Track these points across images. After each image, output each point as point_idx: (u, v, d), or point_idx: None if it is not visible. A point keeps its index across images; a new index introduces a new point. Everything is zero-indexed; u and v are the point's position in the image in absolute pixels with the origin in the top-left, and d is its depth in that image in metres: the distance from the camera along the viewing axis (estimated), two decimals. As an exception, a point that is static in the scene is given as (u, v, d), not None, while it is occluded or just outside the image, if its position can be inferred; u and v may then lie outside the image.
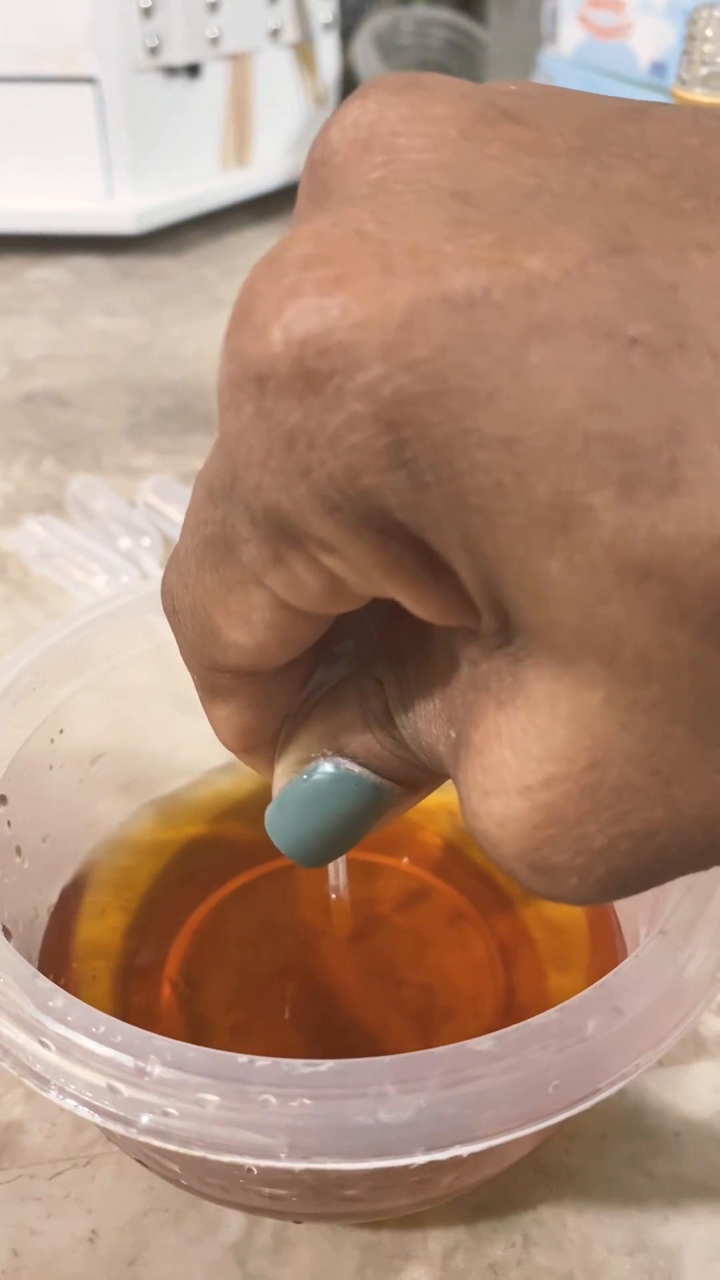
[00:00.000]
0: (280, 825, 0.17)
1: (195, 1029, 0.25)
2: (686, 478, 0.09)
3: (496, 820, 0.12)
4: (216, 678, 0.15)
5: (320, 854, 0.17)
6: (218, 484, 0.13)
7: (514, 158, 0.11)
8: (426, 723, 0.15)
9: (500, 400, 0.10)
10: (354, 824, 0.16)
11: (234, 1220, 0.24)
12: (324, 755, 0.16)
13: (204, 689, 0.16)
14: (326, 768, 0.16)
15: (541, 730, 0.12)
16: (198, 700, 0.17)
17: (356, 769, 0.16)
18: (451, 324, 0.10)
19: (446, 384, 0.10)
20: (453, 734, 0.14)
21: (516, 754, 0.12)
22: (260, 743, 0.17)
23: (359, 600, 0.13)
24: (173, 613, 0.15)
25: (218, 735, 0.17)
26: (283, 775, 0.17)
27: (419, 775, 0.16)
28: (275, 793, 0.17)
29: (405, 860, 0.30)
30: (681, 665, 0.10)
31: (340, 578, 0.12)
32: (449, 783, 0.34)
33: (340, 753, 0.16)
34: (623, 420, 0.09)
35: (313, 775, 0.16)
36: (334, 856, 0.17)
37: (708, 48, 0.37)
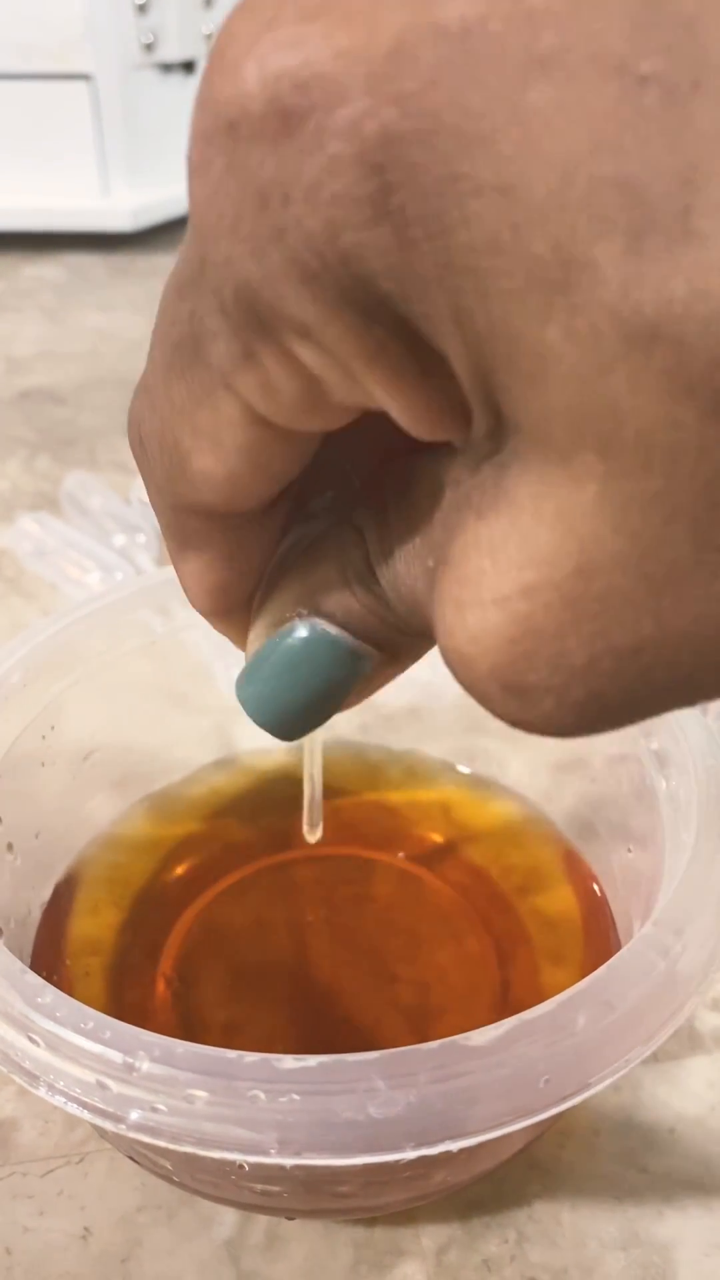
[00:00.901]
0: (252, 693, 0.16)
1: (189, 1025, 0.25)
2: (700, 229, 0.09)
3: (470, 634, 0.12)
4: (187, 521, 0.14)
5: (293, 725, 0.16)
6: (186, 274, 0.12)
7: None
8: (406, 565, 0.14)
9: (497, 141, 0.09)
10: (330, 692, 0.15)
11: (227, 1217, 0.24)
12: (299, 615, 0.15)
13: (174, 537, 0.15)
14: (301, 630, 0.15)
15: (524, 535, 0.11)
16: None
17: (334, 631, 0.15)
18: (444, 55, 0.09)
19: (438, 121, 0.09)
20: (431, 563, 0.13)
21: (495, 562, 0.11)
22: (234, 605, 0.16)
23: (339, 414, 0.12)
24: (138, 444, 0.14)
25: (188, 596, 0.16)
26: (256, 639, 0.16)
27: (398, 638, 0.15)
28: (247, 659, 0.16)
29: (400, 856, 0.30)
30: (686, 449, 0.09)
31: (317, 377, 0.11)
32: (443, 780, 0.34)
33: (317, 612, 0.15)
34: (632, 164, 0.09)
35: (287, 638, 0.15)
36: (307, 729, 0.16)
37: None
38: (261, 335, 0.11)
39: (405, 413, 0.11)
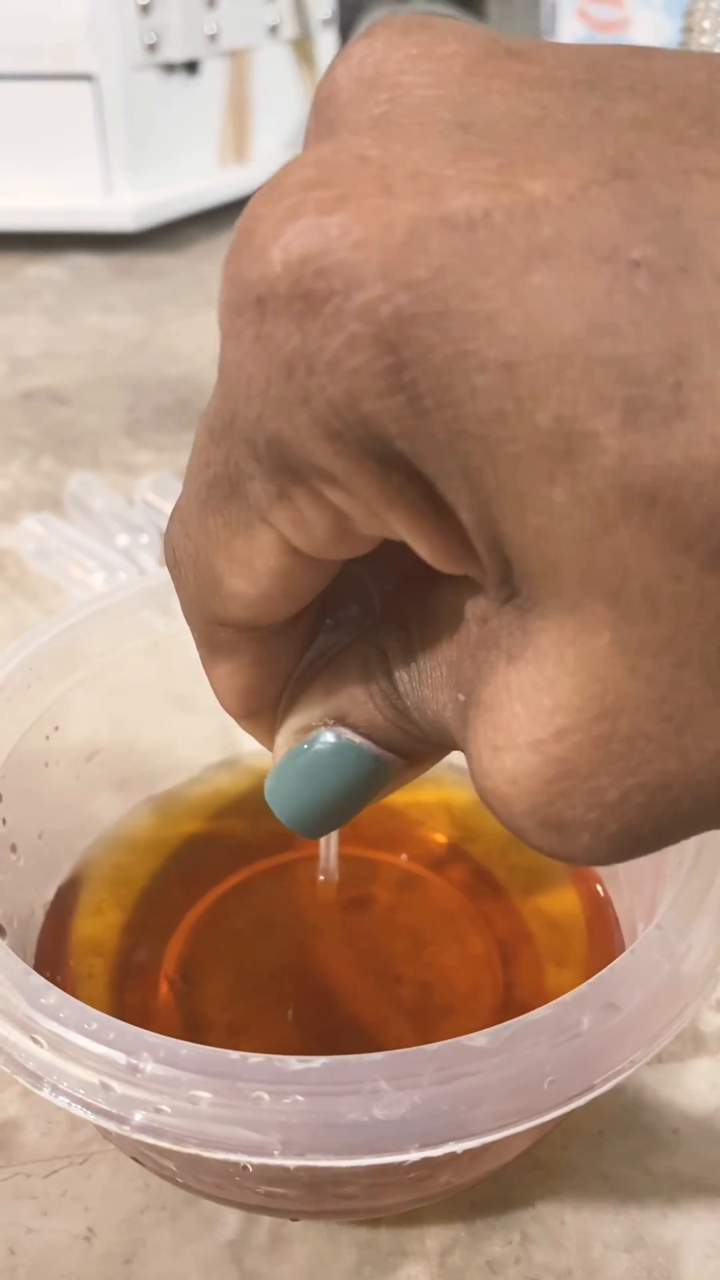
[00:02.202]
0: (279, 795, 0.17)
1: (192, 1026, 0.25)
2: (692, 402, 0.09)
3: (507, 777, 0.12)
4: (218, 632, 0.15)
5: (319, 825, 0.17)
6: (219, 422, 0.13)
7: (519, 91, 0.11)
8: (432, 690, 0.14)
9: (501, 323, 0.10)
10: (354, 795, 0.16)
11: (230, 1218, 0.24)
12: (325, 725, 0.16)
13: (205, 646, 0.16)
14: (328, 738, 0.16)
15: (550, 681, 0.12)
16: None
17: (358, 740, 0.16)
18: (452, 245, 0.10)
19: (447, 305, 0.10)
20: (461, 697, 0.14)
21: (527, 708, 0.12)
22: (261, 707, 0.17)
23: (366, 543, 0.13)
24: (174, 564, 0.15)
25: (218, 697, 0.17)
26: (283, 744, 0.17)
27: (420, 747, 0.16)
28: (275, 761, 0.17)
29: (404, 857, 0.30)
30: (689, 599, 0.10)
31: (345, 515, 0.12)
32: (446, 781, 0.34)
33: (342, 722, 0.16)
34: (626, 344, 0.09)
35: (313, 745, 0.16)
36: (333, 827, 0.17)
37: (704, 39, 0.37)
38: (293, 480, 0.12)
39: (424, 549, 0.12)
